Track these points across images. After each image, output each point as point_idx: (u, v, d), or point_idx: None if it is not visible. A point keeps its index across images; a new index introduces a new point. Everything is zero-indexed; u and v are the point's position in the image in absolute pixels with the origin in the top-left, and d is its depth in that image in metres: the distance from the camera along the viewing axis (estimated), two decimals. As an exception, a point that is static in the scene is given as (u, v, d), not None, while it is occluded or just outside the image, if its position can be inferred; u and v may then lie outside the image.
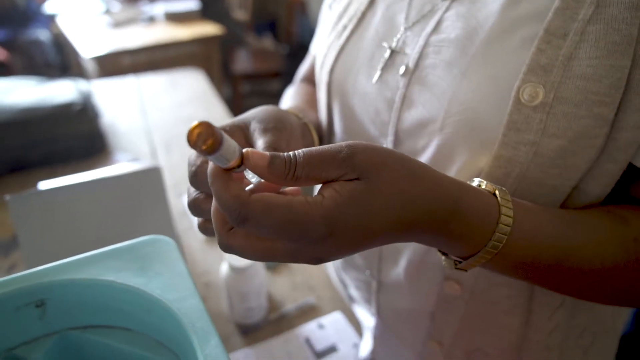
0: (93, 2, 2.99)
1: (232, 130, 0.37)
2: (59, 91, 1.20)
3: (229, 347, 0.71)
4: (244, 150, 0.27)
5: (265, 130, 0.36)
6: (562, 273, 0.35)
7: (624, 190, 0.39)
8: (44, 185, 0.69)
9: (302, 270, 0.86)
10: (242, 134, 0.37)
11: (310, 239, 0.27)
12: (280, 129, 0.37)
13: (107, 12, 2.78)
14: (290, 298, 0.80)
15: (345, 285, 0.67)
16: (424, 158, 0.42)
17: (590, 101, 0.33)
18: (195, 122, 0.23)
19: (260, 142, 0.35)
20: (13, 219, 0.58)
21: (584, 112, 0.33)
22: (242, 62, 3.26)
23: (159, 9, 2.81)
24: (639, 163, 0.35)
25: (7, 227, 0.96)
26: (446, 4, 0.40)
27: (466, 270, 0.35)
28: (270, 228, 0.26)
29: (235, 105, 3.20)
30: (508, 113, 0.34)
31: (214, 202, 0.29)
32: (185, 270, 0.38)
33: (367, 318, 0.64)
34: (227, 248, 0.29)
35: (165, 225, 0.67)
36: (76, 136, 1.14)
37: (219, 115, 1.45)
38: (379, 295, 0.56)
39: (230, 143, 0.26)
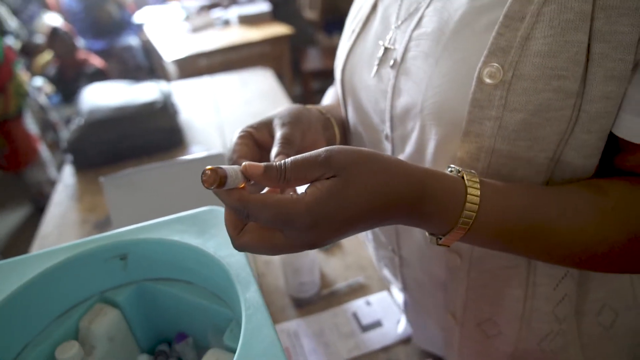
0: (175, 10, 3.25)
1: (259, 127, 0.45)
2: (144, 92, 1.36)
3: (283, 317, 0.78)
4: (242, 164, 0.34)
5: (282, 125, 0.44)
6: (541, 244, 0.38)
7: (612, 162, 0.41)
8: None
9: (353, 252, 0.91)
10: (267, 129, 0.45)
11: (299, 228, 0.32)
12: (295, 123, 0.44)
13: (187, 18, 3.01)
14: (341, 277, 0.86)
15: (380, 267, 0.71)
16: (412, 139, 0.47)
17: (547, 76, 0.35)
18: (206, 168, 0.31)
19: (277, 135, 0.43)
20: (105, 195, 0.70)
21: (542, 86, 0.36)
22: (312, 61, 3.35)
23: (232, 13, 2.99)
24: (620, 133, 0.37)
25: (102, 209, 1.12)
26: (427, 1, 0.45)
27: (448, 246, 0.39)
28: (266, 219, 0.33)
29: (306, 103, 3.29)
30: (471, 92, 0.38)
31: (225, 211, 0.36)
32: (235, 233, 0.46)
33: (398, 295, 0.68)
34: (239, 247, 0.36)
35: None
36: (158, 131, 1.28)
37: (284, 110, 1.54)
38: (402, 269, 0.60)
39: (234, 174, 0.32)
